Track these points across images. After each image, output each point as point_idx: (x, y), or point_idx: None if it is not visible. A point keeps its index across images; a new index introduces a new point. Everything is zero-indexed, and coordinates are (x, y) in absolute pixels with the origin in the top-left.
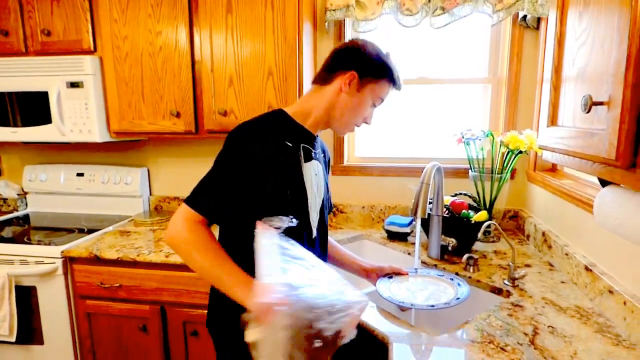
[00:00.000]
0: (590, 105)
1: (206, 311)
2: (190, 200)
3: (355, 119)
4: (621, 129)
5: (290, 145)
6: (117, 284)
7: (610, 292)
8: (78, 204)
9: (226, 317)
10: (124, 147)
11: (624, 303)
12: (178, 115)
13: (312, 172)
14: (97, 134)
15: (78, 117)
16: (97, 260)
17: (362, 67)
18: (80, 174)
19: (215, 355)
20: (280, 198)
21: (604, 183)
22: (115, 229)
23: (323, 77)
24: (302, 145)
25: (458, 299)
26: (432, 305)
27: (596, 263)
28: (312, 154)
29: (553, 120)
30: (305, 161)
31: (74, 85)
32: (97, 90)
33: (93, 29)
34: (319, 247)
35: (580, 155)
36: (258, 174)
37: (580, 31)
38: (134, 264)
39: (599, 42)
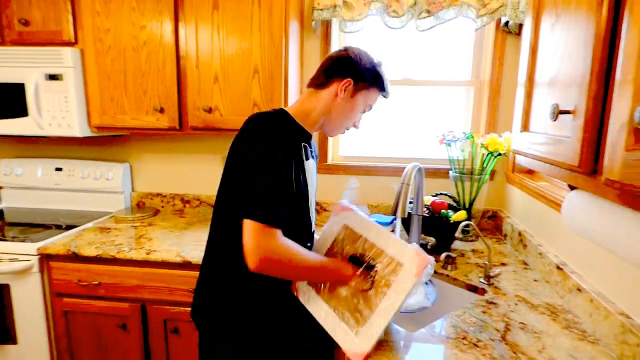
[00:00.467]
0: (557, 113)
1: (188, 309)
2: (262, 217)
3: (347, 123)
4: (584, 137)
5: (298, 144)
6: (96, 282)
7: (579, 290)
8: (56, 199)
9: (219, 305)
10: (105, 142)
11: (591, 300)
12: (162, 111)
13: (311, 170)
14: (77, 129)
15: (57, 111)
16: (75, 257)
17: (357, 75)
18: (58, 169)
19: (197, 347)
20: (297, 197)
21: (572, 187)
22: (95, 225)
23: (319, 81)
24: (303, 144)
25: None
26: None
27: (567, 262)
28: (310, 152)
29: (525, 126)
30: (306, 160)
31: (53, 77)
32: (77, 83)
33: (74, 20)
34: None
35: (549, 161)
36: (290, 178)
37: (552, 41)
38: (113, 261)
39: (568, 53)
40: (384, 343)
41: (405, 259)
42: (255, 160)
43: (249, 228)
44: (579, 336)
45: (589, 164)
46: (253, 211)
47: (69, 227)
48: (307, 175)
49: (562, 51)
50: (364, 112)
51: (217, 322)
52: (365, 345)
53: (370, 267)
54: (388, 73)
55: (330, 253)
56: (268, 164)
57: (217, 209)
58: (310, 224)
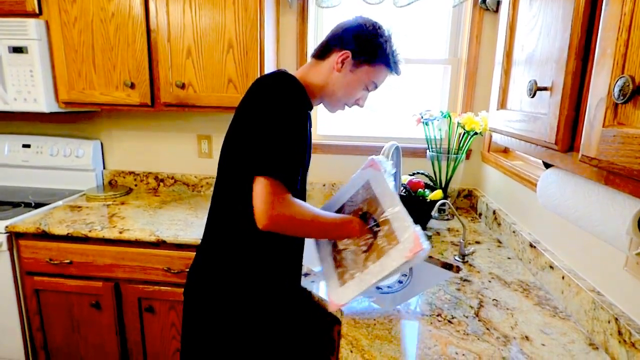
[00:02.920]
0: (535, 90)
1: (163, 288)
2: (273, 172)
3: (346, 99)
4: (561, 114)
5: (308, 109)
6: (68, 260)
7: (551, 267)
8: (24, 177)
9: (219, 285)
10: (74, 118)
11: (562, 277)
12: (132, 86)
13: (311, 138)
14: (44, 104)
15: (22, 85)
16: (45, 235)
17: (357, 47)
18: (26, 145)
19: (173, 325)
20: (304, 160)
21: (547, 165)
22: (65, 203)
23: (320, 52)
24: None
25: (401, 282)
26: (379, 288)
27: (540, 240)
28: (309, 120)
29: (502, 104)
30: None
31: (17, 50)
32: (43, 56)
33: None
34: None
35: (525, 139)
36: (302, 140)
37: (530, 17)
38: (85, 240)
39: (546, 29)
40: (358, 320)
41: (403, 238)
42: (268, 119)
43: (261, 184)
44: (551, 312)
45: (566, 140)
46: (266, 167)
47: (39, 205)
48: (310, 143)
49: (540, 27)
50: (369, 90)
51: (213, 303)
52: (342, 299)
53: (374, 231)
54: (398, 48)
55: (347, 204)
56: (282, 123)
57: (221, 182)
58: (305, 192)
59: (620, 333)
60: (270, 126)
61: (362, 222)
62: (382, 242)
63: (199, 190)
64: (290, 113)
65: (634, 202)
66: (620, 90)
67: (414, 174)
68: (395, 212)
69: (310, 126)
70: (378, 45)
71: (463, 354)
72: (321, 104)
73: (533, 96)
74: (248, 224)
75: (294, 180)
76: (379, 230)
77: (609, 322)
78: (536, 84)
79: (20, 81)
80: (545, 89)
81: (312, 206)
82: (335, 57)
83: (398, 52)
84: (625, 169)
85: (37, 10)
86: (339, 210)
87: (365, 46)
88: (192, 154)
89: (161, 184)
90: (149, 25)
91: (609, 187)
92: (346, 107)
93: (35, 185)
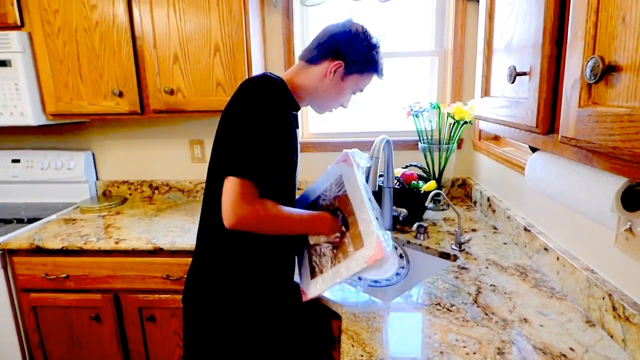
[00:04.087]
0: (514, 75)
1: (163, 296)
2: (243, 173)
3: (335, 104)
4: (540, 97)
5: (292, 111)
6: (64, 275)
7: (546, 249)
8: (15, 192)
9: (215, 288)
10: (64, 130)
11: (557, 259)
12: (121, 94)
13: (297, 139)
14: (31, 117)
15: (8, 99)
16: (39, 251)
17: (351, 59)
18: (15, 160)
19: (175, 334)
20: (288, 164)
21: (533, 149)
22: (59, 217)
23: (311, 56)
24: (292, 113)
25: (399, 274)
26: (377, 282)
27: (534, 224)
28: (296, 122)
29: (486, 91)
30: (296, 128)
31: (0, 63)
32: (27, 69)
33: (19, 1)
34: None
35: (509, 124)
36: (283, 142)
37: (507, 4)
38: (81, 252)
39: (522, 15)
40: (358, 314)
41: (367, 243)
42: (246, 121)
43: (231, 184)
44: (548, 294)
45: (546, 123)
46: (237, 167)
47: (32, 220)
48: (296, 144)
49: (517, 13)
50: (354, 94)
51: (211, 306)
52: (311, 292)
53: (342, 231)
54: (383, 54)
55: (321, 196)
56: (260, 125)
57: (209, 185)
58: (294, 194)
59: (614, 308)
60: (247, 128)
61: (332, 219)
62: (349, 243)
63: (194, 196)
64: (268, 116)
65: (615, 179)
66: (591, 71)
67: (407, 167)
68: (362, 215)
69: (297, 127)
70: (369, 56)
71: (463, 340)
72: (308, 105)
73: (513, 82)
74: None
75: (268, 181)
76: (347, 230)
77: (603, 298)
78: (515, 69)
79: (5, 95)
80: (524, 74)
81: (282, 205)
82: (327, 65)
83: (382, 59)
84: (602, 147)
85: (19, 23)
86: (315, 201)
87: (358, 57)
88: (185, 159)
89: (156, 191)
90: (134, 32)
91: (591, 167)
92: (333, 109)
93: (28, 200)
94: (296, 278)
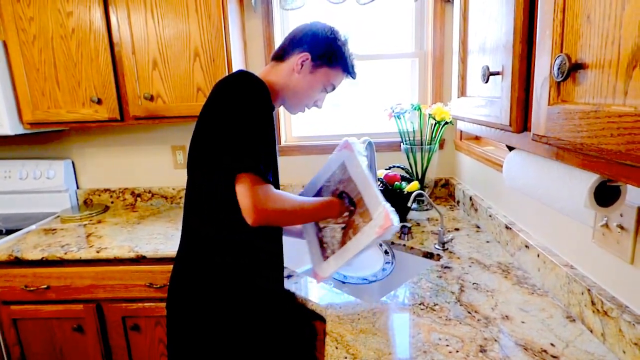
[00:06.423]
0: (488, 75)
1: (147, 304)
2: (251, 167)
3: (307, 100)
4: (512, 96)
5: (272, 106)
6: (45, 286)
7: (527, 246)
8: None
9: (198, 292)
10: (42, 139)
11: (538, 255)
12: (99, 102)
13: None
14: (8, 126)
15: None
16: (18, 262)
17: (316, 50)
18: None
19: (160, 342)
20: (274, 155)
21: (510, 148)
22: (38, 227)
23: (279, 54)
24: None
25: (384, 270)
26: (365, 279)
27: (515, 221)
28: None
29: (462, 91)
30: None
31: None
32: (3, 77)
33: None
34: None
35: (485, 123)
36: (271, 134)
37: (480, 4)
38: (61, 262)
39: (495, 15)
40: (342, 316)
41: (375, 214)
42: (237, 116)
43: (243, 181)
44: (529, 290)
45: (519, 122)
46: (244, 164)
47: (10, 232)
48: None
49: (489, 13)
50: (327, 91)
51: (194, 311)
52: (324, 272)
53: (350, 209)
54: (353, 52)
55: (324, 185)
56: (251, 118)
57: (192, 187)
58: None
59: (593, 303)
60: (240, 123)
61: (340, 202)
62: (358, 220)
63: (177, 202)
64: (257, 108)
65: (588, 175)
66: (559, 69)
67: (390, 168)
68: (368, 191)
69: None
70: (336, 49)
71: (446, 339)
72: (282, 105)
73: (487, 81)
74: (223, 227)
75: (268, 173)
76: (355, 208)
77: (582, 293)
78: (489, 69)
79: None
80: (497, 73)
81: (292, 195)
82: (295, 59)
83: (353, 57)
84: (571, 143)
85: None
86: (317, 193)
87: (324, 49)
88: (167, 165)
89: (138, 198)
90: (112, 38)
91: (564, 164)
92: (306, 108)
93: (6, 211)
94: (300, 268)
